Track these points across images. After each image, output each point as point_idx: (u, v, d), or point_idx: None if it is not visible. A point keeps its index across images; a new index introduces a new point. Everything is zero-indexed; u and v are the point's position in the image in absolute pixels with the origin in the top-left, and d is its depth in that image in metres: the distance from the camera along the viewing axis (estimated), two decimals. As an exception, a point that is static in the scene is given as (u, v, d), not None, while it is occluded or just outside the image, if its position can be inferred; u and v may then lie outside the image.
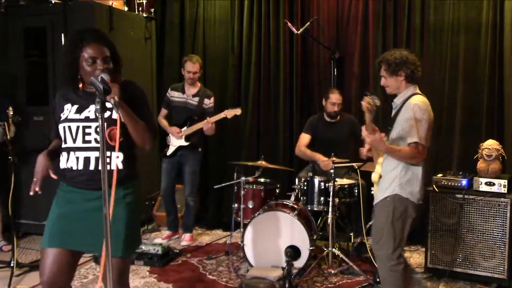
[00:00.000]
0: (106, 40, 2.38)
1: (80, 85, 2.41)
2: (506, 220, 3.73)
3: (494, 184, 3.81)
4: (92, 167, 2.36)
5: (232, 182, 4.50)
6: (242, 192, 4.39)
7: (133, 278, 4.03)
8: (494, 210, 3.78)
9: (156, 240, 5.00)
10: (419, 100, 3.06)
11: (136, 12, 5.50)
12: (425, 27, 4.85)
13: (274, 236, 4.01)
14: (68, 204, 2.41)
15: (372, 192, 3.27)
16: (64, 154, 2.41)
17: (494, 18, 4.54)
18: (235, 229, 4.53)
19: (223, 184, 4.78)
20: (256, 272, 3.78)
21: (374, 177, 3.21)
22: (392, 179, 3.05)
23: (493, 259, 3.79)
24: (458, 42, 4.74)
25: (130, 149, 2.45)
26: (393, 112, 3.19)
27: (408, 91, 3.14)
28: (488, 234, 3.80)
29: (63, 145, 2.41)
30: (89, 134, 2.36)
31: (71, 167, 2.38)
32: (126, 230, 2.41)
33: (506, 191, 3.77)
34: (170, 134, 4.91)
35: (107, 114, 2.32)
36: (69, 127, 2.37)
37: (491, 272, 3.80)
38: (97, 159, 2.35)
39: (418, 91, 3.17)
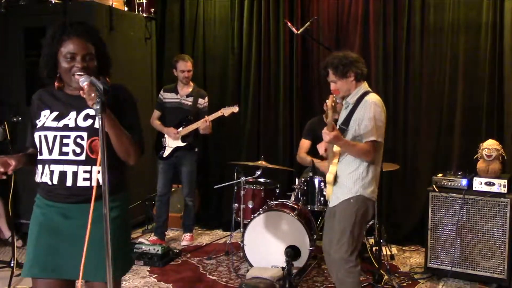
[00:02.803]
0: (92, 36, 2.10)
1: (56, 84, 2.14)
2: (506, 220, 3.73)
3: (494, 184, 3.80)
4: (69, 183, 2.06)
5: (232, 182, 4.50)
6: (242, 192, 4.39)
7: (133, 278, 4.03)
8: (494, 210, 3.78)
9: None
10: (376, 98, 3.09)
11: (136, 12, 5.50)
12: (425, 27, 4.85)
13: (274, 236, 4.01)
14: (49, 226, 2.11)
15: None
16: (40, 167, 2.12)
17: (494, 18, 4.55)
18: (235, 229, 4.53)
19: (223, 184, 4.78)
20: (256, 272, 3.78)
21: (329, 177, 3.20)
22: (354, 180, 3.06)
23: (493, 259, 3.78)
24: (458, 42, 4.74)
25: (114, 162, 2.09)
26: (346, 111, 3.18)
27: (360, 89, 3.13)
28: (488, 234, 3.79)
29: (39, 157, 2.11)
30: (67, 145, 2.05)
31: (46, 182, 2.10)
32: (115, 247, 1.97)
33: (506, 191, 3.76)
34: (166, 136, 4.88)
35: (89, 122, 2.06)
36: (45, 136, 2.07)
37: (491, 272, 3.79)
38: (74, 173, 2.06)
39: (369, 88, 3.19)
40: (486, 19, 4.59)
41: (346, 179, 3.09)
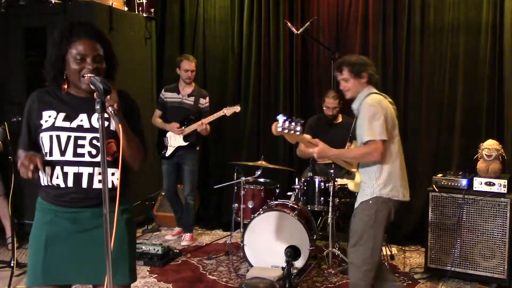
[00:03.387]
0: (101, 37, 2.07)
1: (65, 86, 2.09)
2: (506, 220, 3.73)
3: (494, 184, 3.80)
4: (84, 184, 2.03)
5: (232, 182, 4.51)
6: (242, 192, 4.39)
7: (133, 278, 4.03)
8: (494, 210, 3.78)
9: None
10: (371, 98, 3.03)
11: (136, 12, 5.50)
12: (425, 27, 4.86)
13: (274, 236, 4.01)
14: (57, 234, 2.06)
15: None
16: (47, 169, 2.04)
17: (494, 18, 4.55)
18: (235, 229, 4.53)
19: (223, 184, 4.79)
20: (256, 272, 3.77)
21: (351, 186, 3.18)
22: (369, 182, 3.02)
23: (493, 259, 3.78)
24: (458, 42, 4.74)
25: (124, 164, 2.04)
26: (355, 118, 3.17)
27: (363, 93, 3.09)
28: (488, 234, 3.79)
29: (47, 158, 2.03)
30: (82, 146, 2.02)
31: (58, 185, 2.03)
32: (130, 251, 2.14)
33: (506, 191, 3.76)
34: (168, 135, 4.90)
35: (105, 124, 1.98)
36: (58, 137, 2.01)
37: (491, 272, 3.79)
38: (90, 175, 2.03)
39: (375, 90, 3.12)
40: (486, 19, 4.59)
41: (363, 183, 3.07)
